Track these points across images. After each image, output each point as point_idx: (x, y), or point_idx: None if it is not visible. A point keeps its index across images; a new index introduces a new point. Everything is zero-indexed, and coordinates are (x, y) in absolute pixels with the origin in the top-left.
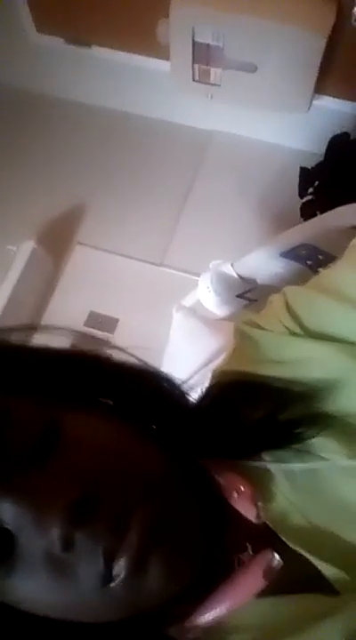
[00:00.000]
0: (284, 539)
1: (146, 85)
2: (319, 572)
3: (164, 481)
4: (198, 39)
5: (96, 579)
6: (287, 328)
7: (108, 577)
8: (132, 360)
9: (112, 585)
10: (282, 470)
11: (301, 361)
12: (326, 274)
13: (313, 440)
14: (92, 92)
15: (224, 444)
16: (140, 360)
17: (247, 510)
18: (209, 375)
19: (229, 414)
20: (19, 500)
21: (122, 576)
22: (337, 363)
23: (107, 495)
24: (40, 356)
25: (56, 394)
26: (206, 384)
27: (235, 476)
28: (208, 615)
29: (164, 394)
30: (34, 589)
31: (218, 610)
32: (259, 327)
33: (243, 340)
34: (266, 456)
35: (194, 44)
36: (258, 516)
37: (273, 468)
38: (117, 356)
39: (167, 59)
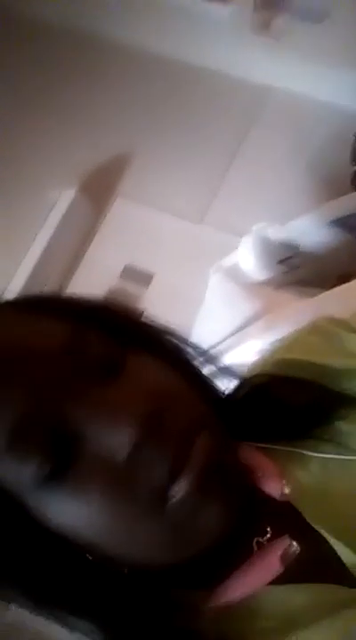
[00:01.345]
0: (307, 518)
1: (204, 33)
2: (339, 560)
3: (218, 423)
4: None
5: (154, 494)
6: None
7: (166, 494)
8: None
9: (169, 504)
10: (316, 457)
11: None
12: None
13: (351, 435)
14: (146, 36)
15: (260, 427)
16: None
17: (272, 488)
18: (247, 345)
19: (272, 400)
20: (94, 407)
21: (180, 496)
22: None
23: (172, 418)
24: (107, 305)
25: (121, 336)
26: (243, 354)
27: (261, 456)
28: (224, 598)
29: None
30: (86, 505)
31: (234, 593)
32: (349, 328)
33: (317, 335)
34: (300, 443)
35: None
36: (282, 494)
37: (307, 453)
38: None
39: (228, 3)
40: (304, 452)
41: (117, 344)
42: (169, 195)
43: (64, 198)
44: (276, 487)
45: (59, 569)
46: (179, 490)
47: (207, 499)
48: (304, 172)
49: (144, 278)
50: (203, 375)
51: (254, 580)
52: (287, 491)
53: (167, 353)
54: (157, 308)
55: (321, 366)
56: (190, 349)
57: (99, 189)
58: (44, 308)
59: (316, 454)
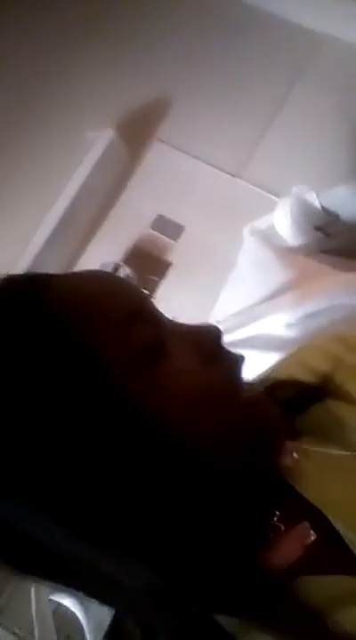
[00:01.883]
0: (305, 493)
1: None
2: (349, 551)
3: None
4: None
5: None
6: None
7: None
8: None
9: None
10: (316, 451)
11: None
12: None
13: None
14: None
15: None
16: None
17: (284, 452)
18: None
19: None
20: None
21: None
22: None
23: None
24: None
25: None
26: (270, 325)
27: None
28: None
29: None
30: (180, 386)
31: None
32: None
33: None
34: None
35: None
36: (293, 459)
37: (308, 448)
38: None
39: None
40: (305, 446)
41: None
42: (208, 144)
43: (102, 139)
44: (288, 452)
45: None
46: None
47: None
48: (351, 134)
49: (176, 229)
50: None
51: (277, 564)
52: (295, 455)
53: None
54: (184, 262)
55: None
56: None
57: (137, 132)
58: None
59: (316, 448)
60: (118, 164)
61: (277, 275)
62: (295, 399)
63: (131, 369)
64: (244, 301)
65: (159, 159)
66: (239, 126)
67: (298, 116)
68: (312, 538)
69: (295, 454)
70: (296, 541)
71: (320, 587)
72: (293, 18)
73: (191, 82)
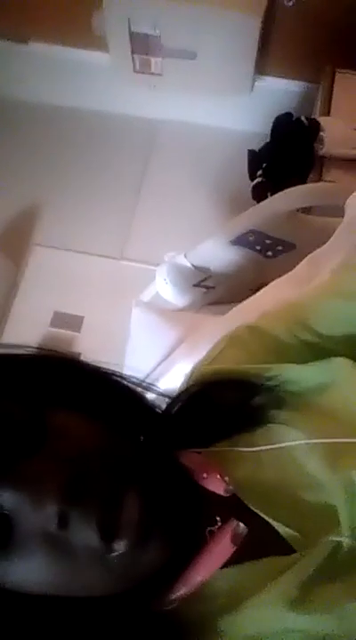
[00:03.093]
0: (248, 504)
1: (88, 79)
2: (278, 536)
3: (143, 467)
4: (134, 29)
5: (92, 552)
6: (297, 337)
7: (104, 550)
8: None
9: (112, 556)
10: (249, 452)
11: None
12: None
13: (278, 427)
14: (34, 89)
15: (197, 434)
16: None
17: (216, 486)
18: (176, 369)
19: (204, 407)
20: (16, 484)
21: (122, 550)
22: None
23: (96, 475)
24: (22, 363)
25: (39, 395)
26: (174, 378)
27: (203, 460)
28: (186, 586)
29: (135, 396)
30: (33, 569)
31: (195, 580)
32: (259, 332)
33: (235, 347)
34: (235, 441)
35: (131, 34)
36: (226, 490)
37: (242, 450)
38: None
39: (107, 51)
40: (239, 449)
41: (36, 408)
42: (85, 236)
43: None
44: (219, 485)
45: (32, 615)
46: (118, 548)
47: (147, 548)
48: (209, 194)
49: (75, 321)
50: (132, 405)
51: (211, 564)
52: (230, 487)
53: (89, 402)
54: (92, 349)
55: (243, 371)
56: (118, 380)
57: (15, 241)
58: None
59: (249, 449)
60: (3, 276)
61: (167, 334)
62: (239, 401)
63: None
64: (144, 367)
65: (42, 262)
66: (109, 214)
67: (158, 192)
68: (242, 529)
69: (229, 487)
70: (226, 536)
71: (249, 571)
72: (128, 112)
73: (54, 184)
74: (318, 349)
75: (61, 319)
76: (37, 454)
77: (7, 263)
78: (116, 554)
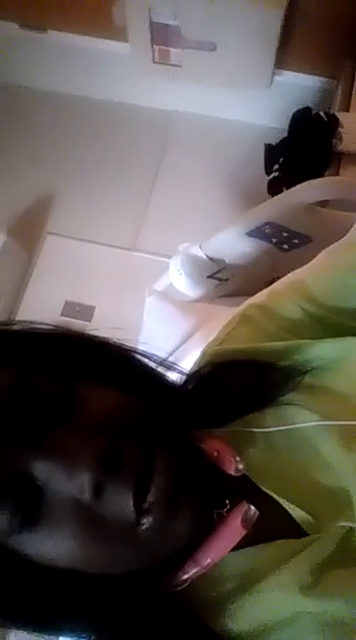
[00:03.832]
0: (259, 485)
1: (106, 69)
2: (291, 518)
3: (171, 438)
4: (155, 19)
5: (124, 524)
6: (304, 310)
7: (135, 523)
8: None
9: (142, 528)
10: (260, 432)
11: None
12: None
13: (291, 408)
14: (52, 78)
15: (209, 414)
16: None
17: (227, 465)
18: (190, 357)
19: (216, 387)
20: (50, 455)
21: (150, 524)
22: (337, 351)
23: (128, 445)
24: (47, 336)
25: (66, 367)
26: (189, 363)
27: (215, 440)
28: (196, 568)
29: (151, 372)
30: (60, 542)
31: (205, 562)
32: (268, 310)
33: (246, 326)
34: (246, 422)
35: (151, 24)
36: (237, 469)
37: (253, 430)
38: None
39: (126, 41)
40: (251, 429)
41: (64, 380)
42: (98, 226)
43: None
44: (231, 465)
45: (49, 589)
46: (148, 520)
47: (177, 517)
48: (223, 187)
49: (86, 311)
50: (153, 380)
51: (221, 546)
52: (240, 467)
53: (115, 374)
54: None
55: (255, 349)
56: (139, 358)
57: (28, 230)
58: None
59: (260, 429)
60: (16, 264)
61: (181, 323)
62: (251, 382)
63: (7, 536)
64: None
65: (54, 251)
66: (122, 204)
67: (172, 183)
68: (253, 513)
69: (240, 466)
70: (236, 519)
71: (261, 554)
72: (145, 103)
73: (69, 173)
74: (327, 324)
75: (73, 308)
76: (66, 424)
77: (20, 252)
78: (146, 526)
